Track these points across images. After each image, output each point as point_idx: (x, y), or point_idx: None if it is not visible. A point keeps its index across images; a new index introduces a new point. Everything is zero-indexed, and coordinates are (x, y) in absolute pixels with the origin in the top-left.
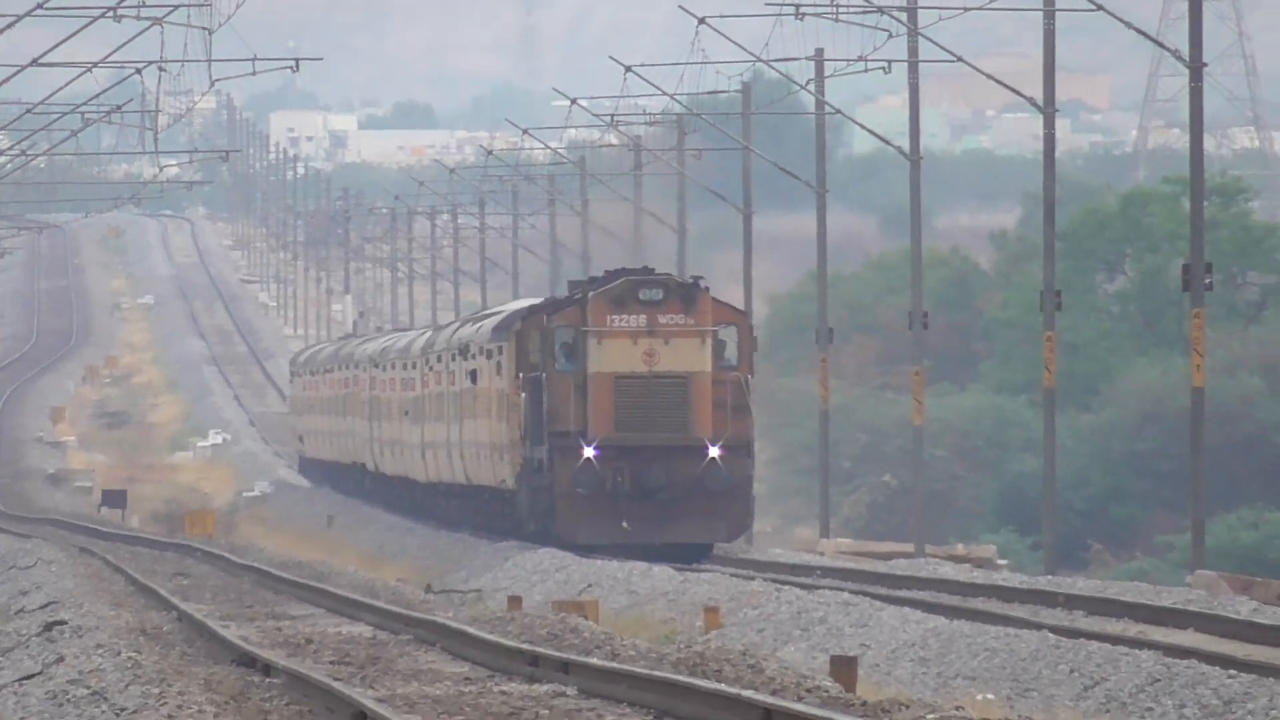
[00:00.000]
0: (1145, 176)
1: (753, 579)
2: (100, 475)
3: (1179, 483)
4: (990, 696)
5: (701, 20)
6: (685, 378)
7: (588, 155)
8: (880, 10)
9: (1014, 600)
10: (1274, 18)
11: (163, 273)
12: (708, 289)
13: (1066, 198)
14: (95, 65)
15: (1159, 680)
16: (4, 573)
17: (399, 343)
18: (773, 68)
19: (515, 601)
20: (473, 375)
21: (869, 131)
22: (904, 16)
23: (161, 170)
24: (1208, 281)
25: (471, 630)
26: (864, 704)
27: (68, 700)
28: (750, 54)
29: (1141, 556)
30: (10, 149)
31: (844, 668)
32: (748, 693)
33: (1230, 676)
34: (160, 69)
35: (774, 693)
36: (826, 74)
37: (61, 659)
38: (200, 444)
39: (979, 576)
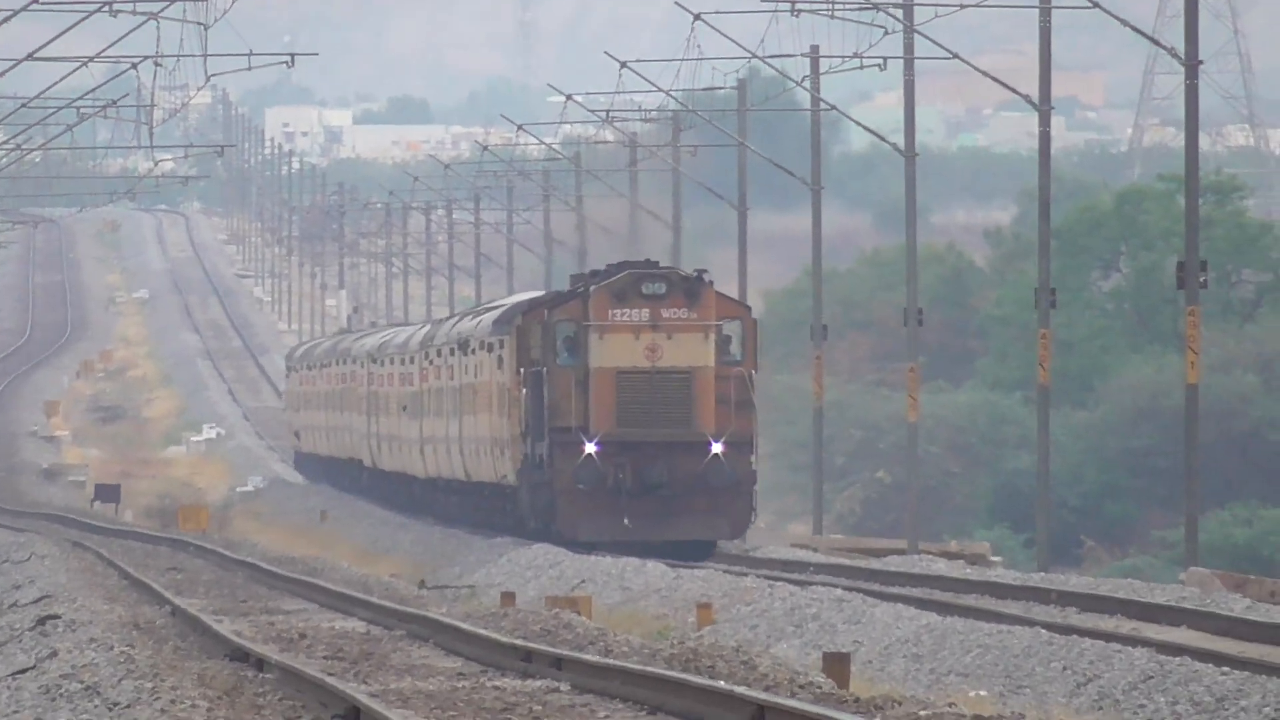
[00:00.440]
0: (1140, 174)
1: (746, 575)
2: (94, 470)
3: (1173, 480)
4: (983, 693)
5: (697, 16)
6: (688, 373)
7: (583, 151)
8: (876, 7)
9: (1007, 597)
10: (1270, 16)
11: (157, 267)
12: (711, 283)
13: (1062, 195)
14: (91, 60)
15: (1152, 677)
16: None
17: (397, 337)
18: (768, 64)
19: (509, 597)
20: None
21: (864, 128)
22: (900, 13)
23: (157, 165)
24: (1202, 279)
25: (465, 626)
26: (857, 700)
27: (61, 695)
28: (746, 50)
29: (1135, 553)
30: (6, 143)
31: (837, 664)
32: (741, 689)
33: (1223, 674)
34: (156, 64)
35: (767, 689)
36: (822, 71)
37: (55, 653)
38: (194, 439)
39: (972, 573)
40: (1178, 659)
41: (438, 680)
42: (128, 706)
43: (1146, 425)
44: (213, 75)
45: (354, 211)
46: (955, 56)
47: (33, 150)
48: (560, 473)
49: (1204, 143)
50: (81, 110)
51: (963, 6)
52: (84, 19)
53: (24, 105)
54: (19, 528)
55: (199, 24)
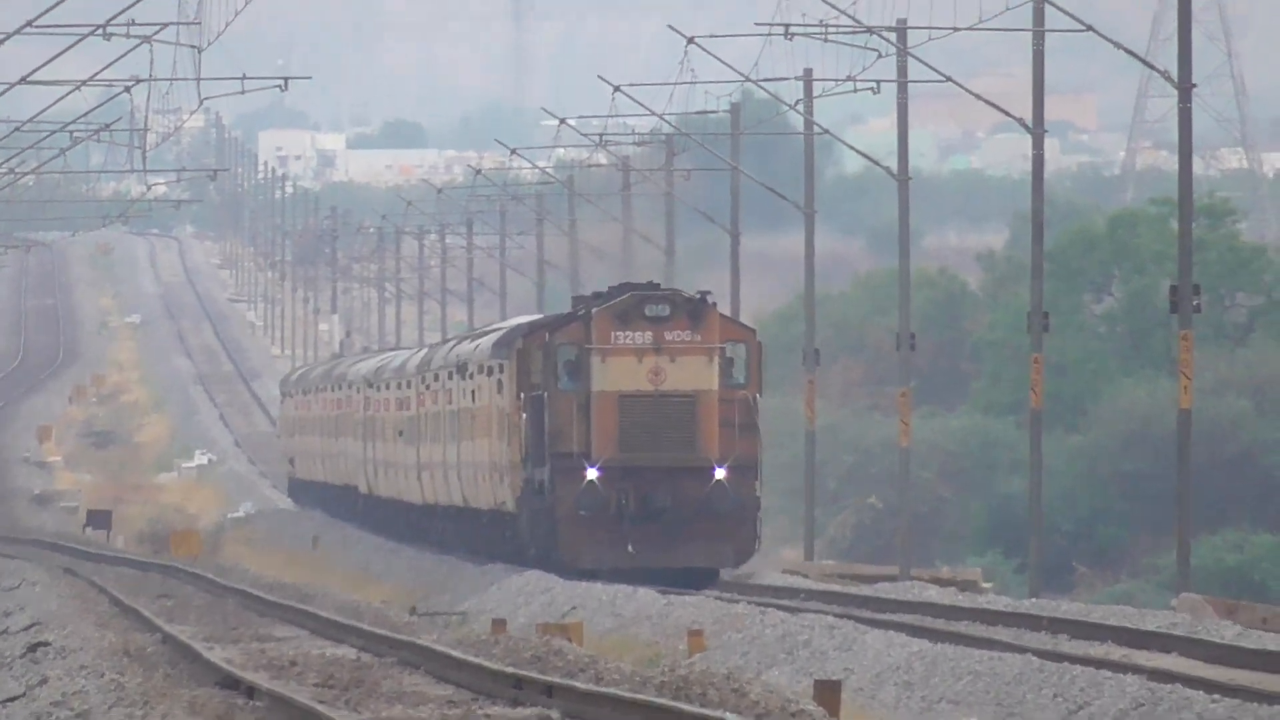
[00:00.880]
0: (1133, 197)
1: (737, 602)
2: (86, 495)
3: (1165, 504)
4: None
5: (690, 40)
6: (692, 396)
7: (576, 175)
8: (869, 30)
9: (998, 623)
10: (1263, 39)
11: (150, 291)
12: (715, 304)
13: (1055, 218)
14: (84, 83)
15: (1143, 704)
16: None
17: (394, 361)
18: (762, 87)
19: (500, 624)
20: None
21: (857, 152)
22: (893, 37)
23: (150, 188)
24: (1195, 303)
25: (456, 653)
26: None
27: None
28: (739, 74)
29: (1127, 578)
30: None
31: (828, 691)
32: (732, 716)
33: (1214, 701)
34: (149, 87)
35: (758, 716)
36: (815, 94)
37: (45, 680)
38: (186, 464)
39: (963, 600)
40: (1169, 686)
41: (429, 708)
42: None
43: (1139, 449)
44: (206, 99)
45: (347, 236)
46: (948, 80)
47: (26, 174)
48: (562, 499)
49: (1197, 166)
50: (75, 134)
51: (956, 30)
52: (77, 42)
53: (17, 129)
54: (10, 554)
55: (192, 47)
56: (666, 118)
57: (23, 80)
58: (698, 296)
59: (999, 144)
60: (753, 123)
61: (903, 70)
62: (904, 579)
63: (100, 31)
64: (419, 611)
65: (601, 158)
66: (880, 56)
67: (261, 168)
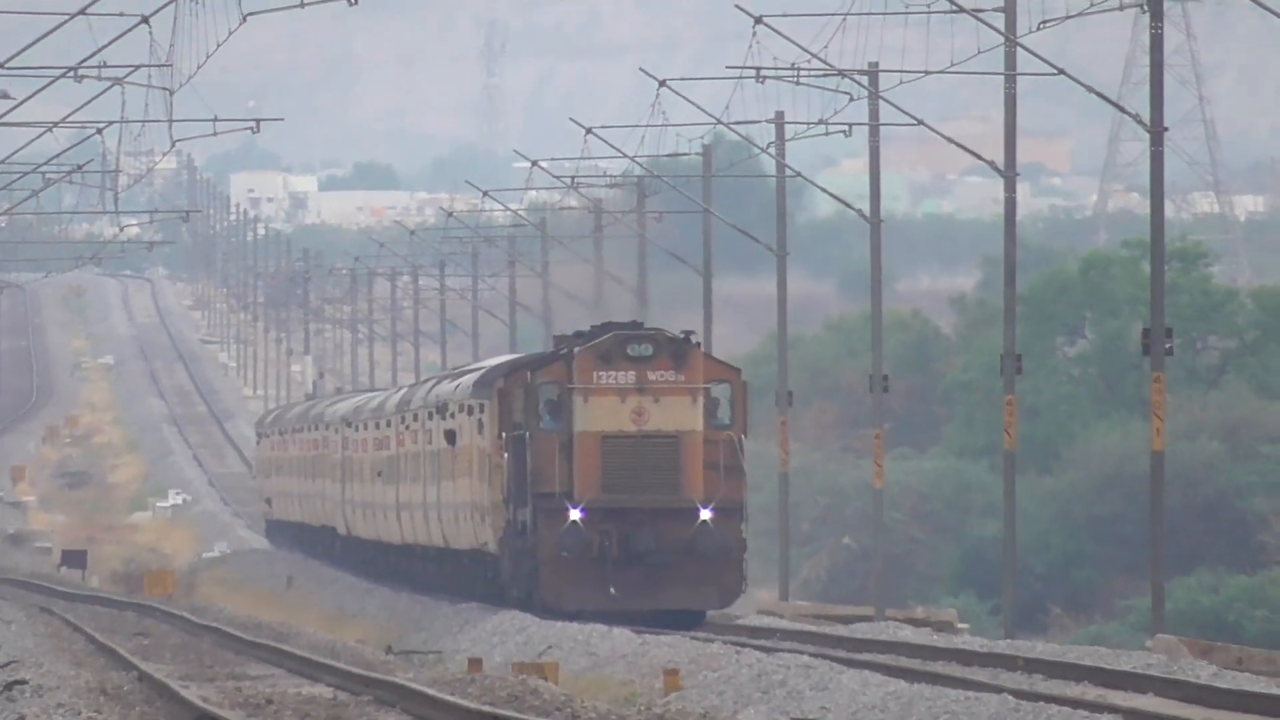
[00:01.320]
0: (1105, 240)
1: (712, 641)
2: (60, 535)
3: (1139, 546)
4: None
5: (662, 83)
6: (675, 437)
7: (548, 217)
8: (841, 73)
9: (974, 663)
10: (1235, 83)
11: (123, 333)
12: (699, 344)
13: (1027, 261)
14: (56, 125)
15: None
16: None
17: (372, 402)
18: (733, 130)
19: (475, 663)
20: (450, 436)
21: (829, 194)
22: (865, 80)
23: (122, 230)
24: (1168, 346)
25: (432, 692)
26: None
27: None
28: (711, 116)
29: (1101, 620)
30: None
31: None
32: None
33: None
34: (121, 129)
35: None
36: (787, 137)
37: (22, 718)
38: (160, 504)
39: (939, 640)
40: None
41: None
42: None
43: (1112, 492)
44: (178, 141)
45: (319, 277)
46: (920, 123)
47: None
48: (544, 540)
49: (1169, 209)
50: (47, 175)
51: (927, 73)
52: (49, 84)
53: None
54: None
55: (164, 89)
56: (638, 160)
57: None
58: (681, 336)
59: (971, 187)
60: (724, 165)
61: (874, 113)
62: (879, 619)
63: (72, 74)
64: (395, 650)
65: (573, 200)
66: (852, 100)
67: (233, 209)
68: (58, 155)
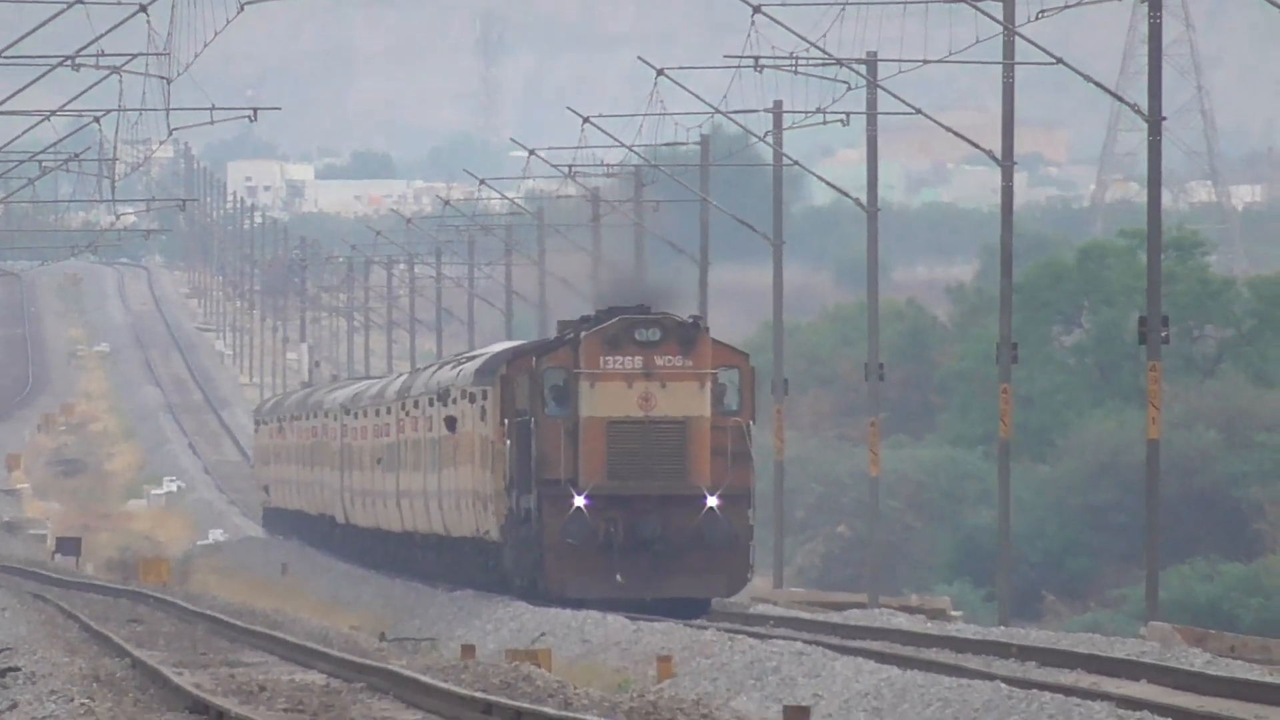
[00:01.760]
0: (1102, 230)
1: (706, 628)
2: (55, 523)
3: (1134, 535)
4: None
5: (660, 72)
6: (683, 423)
7: (545, 206)
8: (839, 63)
9: (967, 651)
10: (1233, 73)
11: (119, 321)
12: (707, 329)
13: (1024, 251)
14: (53, 113)
15: None
16: None
17: (372, 389)
18: (731, 119)
19: (469, 650)
20: (450, 423)
21: (827, 183)
22: (863, 69)
23: (119, 218)
24: (1164, 335)
25: (425, 679)
26: None
27: None
28: (709, 105)
29: (1096, 608)
30: None
31: (797, 718)
32: None
33: None
34: (118, 117)
35: None
36: (785, 126)
37: (15, 705)
38: (155, 492)
39: (933, 627)
40: (1138, 713)
41: None
42: None
43: (1107, 481)
44: (175, 129)
45: (316, 266)
46: (918, 112)
47: None
48: (548, 527)
49: (1166, 199)
50: (43, 164)
51: (926, 62)
52: (46, 73)
53: None
54: None
55: (161, 78)
56: (636, 149)
57: None
58: (689, 320)
59: (968, 176)
60: (722, 154)
61: (872, 102)
62: (873, 607)
63: (69, 62)
64: (388, 637)
65: (571, 189)
66: (850, 89)
67: (230, 198)
68: (55, 143)
